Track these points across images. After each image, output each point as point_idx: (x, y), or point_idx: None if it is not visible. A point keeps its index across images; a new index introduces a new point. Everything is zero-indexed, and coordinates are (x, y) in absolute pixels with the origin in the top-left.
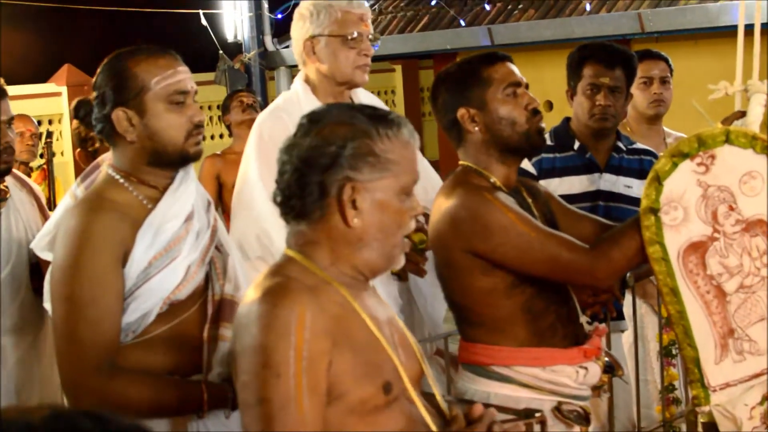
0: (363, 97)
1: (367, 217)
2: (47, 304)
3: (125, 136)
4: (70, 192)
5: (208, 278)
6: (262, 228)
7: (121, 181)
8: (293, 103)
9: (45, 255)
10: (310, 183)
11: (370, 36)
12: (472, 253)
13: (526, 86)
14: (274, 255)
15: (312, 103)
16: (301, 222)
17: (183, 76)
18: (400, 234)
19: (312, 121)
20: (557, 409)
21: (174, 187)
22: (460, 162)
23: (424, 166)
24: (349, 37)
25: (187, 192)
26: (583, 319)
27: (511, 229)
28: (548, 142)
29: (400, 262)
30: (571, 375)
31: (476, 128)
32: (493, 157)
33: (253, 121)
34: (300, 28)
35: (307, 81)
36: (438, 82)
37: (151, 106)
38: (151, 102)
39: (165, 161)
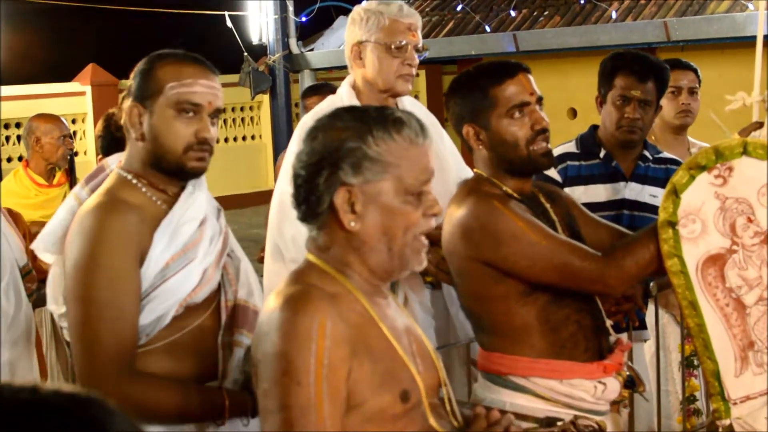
0: (408, 106)
1: (368, 220)
2: (51, 306)
3: (131, 130)
4: (74, 194)
5: (220, 284)
6: (297, 229)
7: (134, 181)
8: (336, 106)
9: (46, 257)
10: (310, 189)
11: (419, 46)
12: (483, 262)
13: (540, 100)
14: None
15: None
16: (312, 227)
17: (202, 89)
18: (410, 234)
19: (316, 126)
20: (573, 423)
21: (189, 191)
22: (474, 170)
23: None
24: (394, 46)
25: (200, 198)
26: (608, 322)
27: (522, 238)
28: (574, 150)
29: (419, 262)
30: (588, 390)
31: (480, 146)
32: (502, 170)
33: None
34: (350, 32)
35: (354, 86)
36: (450, 92)
37: (160, 109)
38: (161, 105)
39: (164, 168)
